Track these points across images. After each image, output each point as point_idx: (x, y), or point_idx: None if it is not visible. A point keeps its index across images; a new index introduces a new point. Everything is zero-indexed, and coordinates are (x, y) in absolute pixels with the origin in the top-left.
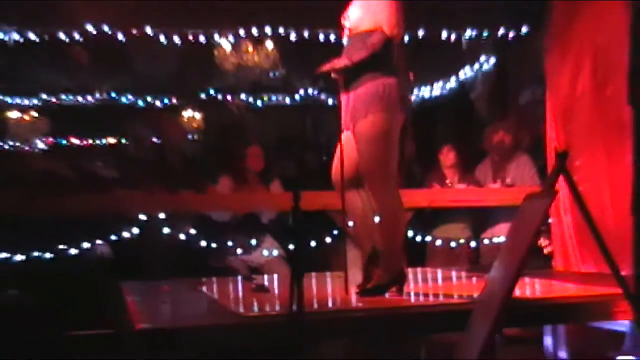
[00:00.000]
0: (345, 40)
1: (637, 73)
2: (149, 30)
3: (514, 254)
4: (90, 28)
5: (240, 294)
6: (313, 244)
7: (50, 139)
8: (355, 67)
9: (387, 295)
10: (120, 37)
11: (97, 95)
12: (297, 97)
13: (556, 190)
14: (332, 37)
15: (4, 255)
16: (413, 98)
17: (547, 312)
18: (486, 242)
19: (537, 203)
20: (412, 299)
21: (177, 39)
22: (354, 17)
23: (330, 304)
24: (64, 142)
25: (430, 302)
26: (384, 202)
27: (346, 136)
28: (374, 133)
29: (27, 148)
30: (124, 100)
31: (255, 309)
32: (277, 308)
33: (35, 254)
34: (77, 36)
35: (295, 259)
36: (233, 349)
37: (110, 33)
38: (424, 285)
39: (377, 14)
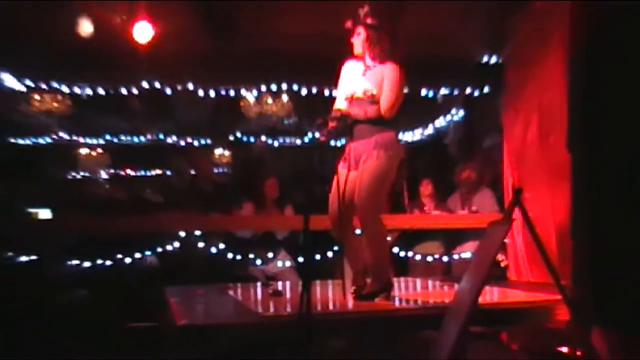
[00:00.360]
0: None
1: (574, 126)
2: (190, 85)
3: (480, 268)
4: (144, 84)
5: (259, 298)
6: (318, 257)
7: (111, 171)
8: (368, 121)
9: (376, 300)
10: (168, 91)
11: (148, 136)
12: (306, 139)
13: (513, 219)
14: (335, 92)
15: (75, 262)
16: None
17: (504, 314)
18: (456, 257)
19: (498, 228)
20: (397, 303)
21: (211, 92)
22: (374, 86)
23: (331, 307)
24: (122, 172)
25: (412, 306)
26: (372, 226)
27: (344, 174)
28: (377, 173)
29: (92, 177)
30: (168, 140)
31: (271, 309)
32: (289, 309)
33: (99, 261)
34: (134, 90)
35: (304, 269)
36: (253, 343)
37: (159, 87)
38: (406, 293)
39: (394, 88)
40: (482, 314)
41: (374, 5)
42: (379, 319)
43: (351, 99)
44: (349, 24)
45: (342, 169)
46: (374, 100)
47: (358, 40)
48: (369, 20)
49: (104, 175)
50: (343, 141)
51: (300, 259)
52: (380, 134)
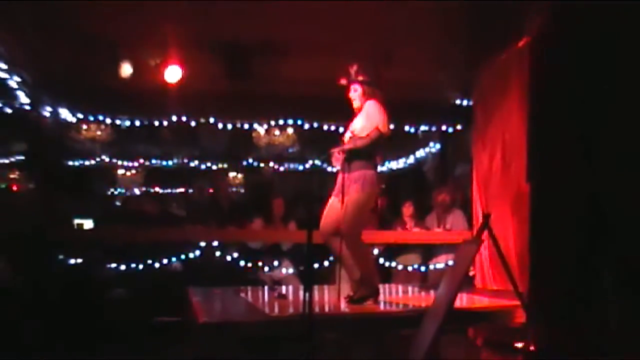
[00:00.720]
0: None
1: (532, 162)
2: (211, 119)
3: (454, 277)
4: (174, 117)
5: (267, 300)
6: (316, 265)
7: (143, 188)
8: (351, 157)
9: (366, 304)
10: (193, 123)
11: (175, 160)
12: (307, 165)
13: (482, 239)
14: (332, 127)
15: (114, 265)
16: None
17: (471, 316)
18: (432, 267)
19: (470, 246)
20: (383, 306)
21: (229, 125)
22: (358, 125)
23: (328, 309)
24: (152, 190)
25: (395, 309)
26: (356, 245)
27: (334, 200)
28: (360, 202)
29: (128, 193)
30: (191, 164)
31: (277, 310)
32: (292, 310)
33: (133, 265)
34: (164, 122)
35: (306, 276)
36: (263, 338)
37: (186, 120)
38: (390, 297)
39: (373, 118)
40: (453, 315)
41: (363, 64)
42: (368, 319)
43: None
44: (343, 81)
45: (333, 197)
46: (359, 136)
47: (356, 96)
48: (361, 78)
49: (136, 191)
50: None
51: (302, 267)
52: (364, 171)
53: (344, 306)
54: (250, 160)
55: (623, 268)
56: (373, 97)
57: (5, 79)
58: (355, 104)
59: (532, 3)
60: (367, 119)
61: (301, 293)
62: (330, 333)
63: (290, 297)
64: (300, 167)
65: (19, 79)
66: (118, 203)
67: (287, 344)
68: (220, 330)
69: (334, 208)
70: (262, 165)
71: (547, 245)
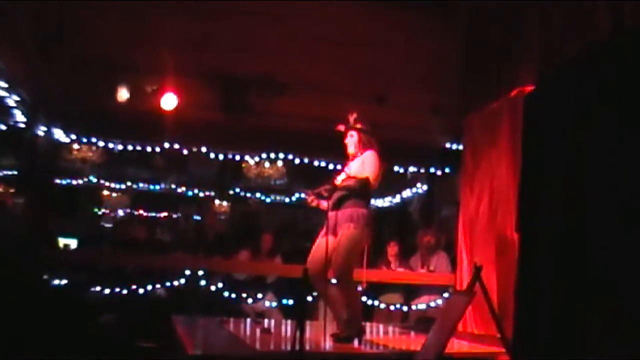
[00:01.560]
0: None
1: (522, 214)
2: (203, 148)
3: (444, 327)
4: (166, 144)
5: (253, 333)
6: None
7: (128, 210)
8: (345, 196)
9: (351, 343)
10: (185, 151)
11: (162, 185)
12: (293, 198)
13: (474, 292)
14: (322, 163)
15: (99, 288)
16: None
17: None
18: (413, 307)
19: (462, 297)
20: (370, 347)
21: (220, 156)
22: (353, 169)
23: (314, 346)
24: (136, 213)
25: (381, 350)
26: (346, 283)
27: (322, 240)
28: (353, 239)
29: (112, 214)
30: (178, 190)
31: (266, 346)
32: (276, 345)
33: (117, 290)
34: (157, 148)
35: (298, 313)
36: None
37: (178, 148)
38: (370, 336)
39: (368, 168)
40: None
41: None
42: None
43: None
44: (341, 127)
45: (321, 237)
46: (352, 178)
47: (352, 142)
48: (359, 126)
49: (120, 213)
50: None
51: (285, 301)
52: (357, 208)
53: (329, 344)
54: (238, 190)
55: (608, 318)
56: (370, 146)
57: (3, 97)
58: (350, 150)
59: (525, 54)
60: (362, 166)
61: (283, 327)
62: None
63: (273, 331)
64: (287, 200)
65: (17, 98)
66: (105, 225)
67: None
68: None
69: (322, 248)
70: (249, 195)
71: (533, 293)
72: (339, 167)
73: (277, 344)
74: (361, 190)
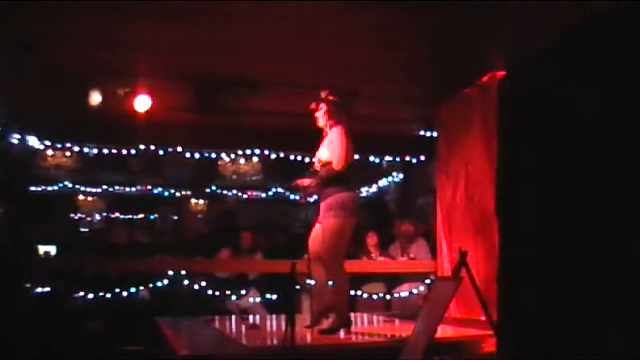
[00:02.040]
0: (317, 166)
1: (499, 198)
2: (179, 148)
3: (432, 314)
4: (141, 146)
5: (240, 330)
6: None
7: (104, 214)
8: (324, 184)
9: (338, 334)
10: (161, 152)
11: (138, 187)
12: (270, 193)
13: (461, 277)
14: (298, 157)
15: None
16: None
17: (437, 346)
18: (396, 295)
19: (448, 283)
20: (353, 337)
21: (197, 155)
22: (322, 155)
23: (307, 341)
24: (112, 216)
25: (372, 339)
26: (333, 273)
27: (317, 227)
28: (334, 229)
29: (88, 219)
30: (155, 191)
31: (255, 342)
32: (269, 342)
33: (100, 294)
34: (132, 150)
35: (287, 308)
36: None
37: (152, 149)
38: (357, 327)
39: (333, 151)
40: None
41: (333, 90)
42: (343, 350)
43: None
44: (313, 105)
45: (317, 223)
46: (324, 164)
47: (320, 114)
48: (330, 97)
49: (97, 217)
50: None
51: (268, 296)
52: (336, 195)
53: (315, 337)
54: (214, 188)
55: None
56: (337, 121)
57: None
58: (320, 122)
59: (496, 40)
60: (328, 149)
61: (269, 322)
62: None
63: (260, 326)
64: (263, 195)
65: None
66: (83, 229)
67: None
68: None
69: (315, 234)
70: (225, 192)
71: (514, 276)
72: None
73: (266, 339)
74: (331, 177)
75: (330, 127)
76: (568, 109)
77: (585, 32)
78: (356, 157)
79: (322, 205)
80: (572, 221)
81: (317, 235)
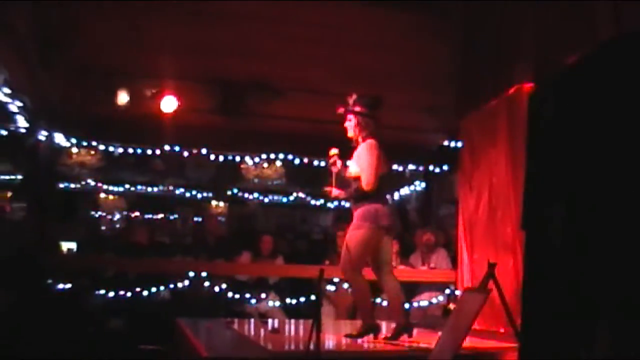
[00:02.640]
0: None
1: (526, 212)
2: (203, 150)
3: (460, 325)
4: (166, 147)
5: (262, 334)
6: (302, 299)
7: (125, 213)
8: (357, 194)
9: (365, 339)
10: (185, 153)
11: (160, 187)
12: (292, 198)
13: (489, 289)
14: (322, 163)
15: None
16: None
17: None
18: (415, 304)
19: (476, 295)
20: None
21: (221, 157)
22: (352, 167)
23: (332, 346)
24: (132, 215)
25: (396, 348)
26: (354, 282)
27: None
28: (359, 240)
29: (109, 217)
30: (176, 192)
31: (280, 346)
32: (292, 346)
33: (121, 293)
34: (156, 151)
35: (316, 314)
36: None
37: (177, 150)
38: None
39: (362, 166)
40: None
41: (360, 95)
42: (367, 357)
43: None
44: (341, 110)
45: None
46: (355, 178)
47: (350, 125)
48: (357, 109)
49: (117, 216)
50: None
51: (287, 300)
52: (363, 207)
53: (344, 343)
54: (235, 191)
55: (620, 316)
56: (367, 132)
57: (6, 103)
58: (349, 133)
59: (521, 51)
60: (357, 163)
61: (289, 327)
62: None
63: (280, 331)
64: (285, 200)
65: (19, 104)
66: (103, 228)
67: None
68: None
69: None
70: (246, 196)
71: (540, 292)
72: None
73: (289, 344)
74: (360, 192)
75: (363, 139)
76: (600, 123)
77: (618, 46)
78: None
79: (354, 214)
80: (602, 237)
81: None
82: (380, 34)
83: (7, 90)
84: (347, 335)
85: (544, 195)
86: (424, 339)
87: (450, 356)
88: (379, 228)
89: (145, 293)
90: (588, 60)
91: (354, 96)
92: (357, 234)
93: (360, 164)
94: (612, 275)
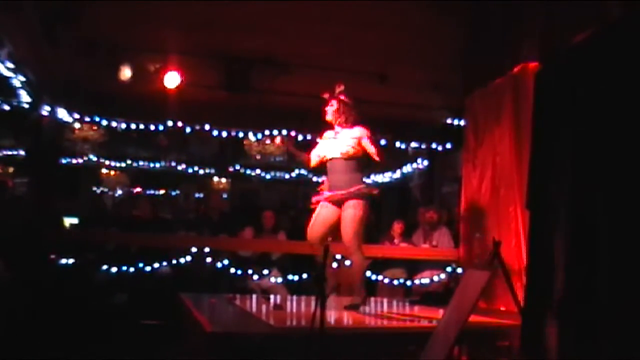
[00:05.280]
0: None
1: (532, 191)
2: (207, 126)
3: (464, 303)
4: (169, 122)
5: (265, 309)
6: (305, 276)
7: (126, 189)
8: (351, 173)
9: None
10: (188, 129)
11: (162, 163)
12: (294, 174)
13: (494, 266)
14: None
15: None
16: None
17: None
18: (417, 282)
19: (480, 273)
20: (382, 321)
21: (224, 133)
22: (343, 147)
23: (335, 322)
24: (134, 191)
25: (392, 325)
26: (355, 255)
27: (323, 210)
28: (357, 217)
29: (110, 193)
30: (179, 168)
31: (283, 322)
32: (295, 322)
33: (124, 268)
34: (160, 126)
35: (319, 290)
36: (271, 350)
37: (180, 126)
38: (381, 311)
39: (367, 147)
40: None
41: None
42: (371, 333)
43: (326, 160)
44: (326, 95)
45: (323, 207)
46: (350, 157)
47: (330, 110)
48: (342, 97)
49: (119, 192)
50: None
51: (290, 277)
52: (357, 186)
53: (348, 320)
54: (238, 167)
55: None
56: (350, 120)
57: (10, 78)
58: (328, 116)
59: (528, 29)
60: (371, 141)
61: (292, 303)
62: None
63: (283, 306)
64: (287, 176)
65: (23, 79)
66: (106, 203)
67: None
68: (229, 341)
69: (323, 216)
70: (249, 172)
71: (546, 269)
72: None
73: (292, 319)
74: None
75: (341, 125)
76: (607, 101)
77: (625, 25)
78: (382, 142)
79: (340, 193)
80: (609, 213)
81: (326, 217)
82: (387, 11)
83: (11, 65)
84: (343, 307)
85: (549, 174)
86: (426, 315)
87: (455, 333)
88: (370, 206)
89: (148, 268)
90: (595, 39)
91: (342, 86)
92: (355, 213)
93: (368, 144)
94: (618, 256)
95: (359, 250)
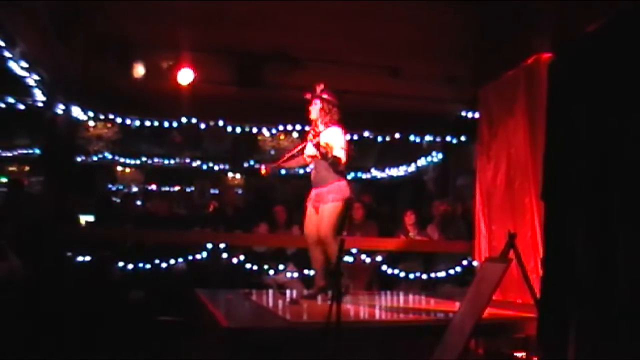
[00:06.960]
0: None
1: (547, 181)
2: (220, 122)
3: (480, 295)
4: (183, 119)
5: (281, 305)
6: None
7: (141, 186)
8: (327, 170)
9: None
10: (202, 125)
11: (177, 160)
12: (308, 169)
13: (510, 258)
14: None
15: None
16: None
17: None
18: (432, 275)
19: (496, 265)
20: (398, 315)
21: (238, 129)
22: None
23: (351, 317)
24: (149, 188)
25: (409, 318)
26: (330, 248)
27: (311, 210)
28: (333, 212)
29: (126, 190)
30: (193, 164)
31: (300, 317)
32: (311, 317)
33: (140, 265)
34: (174, 123)
35: (335, 285)
36: (287, 345)
37: (194, 122)
38: (398, 304)
39: (337, 147)
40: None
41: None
42: (386, 327)
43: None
44: (308, 95)
45: (310, 207)
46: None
47: (314, 109)
48: (324, 95)
49: (134, 189)
50: None
51: (306, 271)
52: (337, 183)
53: (364, 314)
54: (252, 162)
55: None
56: (332, 120)
57: (24, 77)
58: (312, 115)
59: (540, 21)
60: (339, 145)
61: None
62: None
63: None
64: (301, 171)
65: (37, 77)
66: (121, 200)
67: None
68: (246, 336)
69: (313, 216)
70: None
71: (560, 262)
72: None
73: (309, 315)
74: (334, 165)
75: (324, 123)
76: (620, 90)
77: (637, 14)
78: (397, 136)
79: (322, 191)
80: (626, 202)
81: (318, 218)
82: (399, 5)
83: (25, 64)
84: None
85: (564, 165)
86: (442, 309)
87: (472, 325)
88: (349, 200)
89: (164, 265)
90: (608, 28)
91: (322, 85)
92: (331, 208)
93: (336, 144)
94: (637, 245)
95: (334, 242)
